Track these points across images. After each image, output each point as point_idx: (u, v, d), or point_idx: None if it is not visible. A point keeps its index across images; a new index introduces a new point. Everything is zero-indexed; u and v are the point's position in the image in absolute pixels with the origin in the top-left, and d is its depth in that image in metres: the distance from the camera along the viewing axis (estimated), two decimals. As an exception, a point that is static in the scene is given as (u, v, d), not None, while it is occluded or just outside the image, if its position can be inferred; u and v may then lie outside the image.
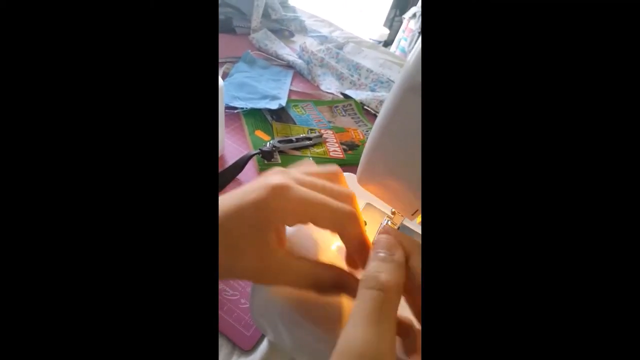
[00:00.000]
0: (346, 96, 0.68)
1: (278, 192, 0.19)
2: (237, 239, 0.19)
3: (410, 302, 0.21)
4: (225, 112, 0.50)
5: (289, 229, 0.24)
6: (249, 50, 0.71)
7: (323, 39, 0.92)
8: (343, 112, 0.64)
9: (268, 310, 0.27)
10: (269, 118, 0.55)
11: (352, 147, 0.55)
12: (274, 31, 0.84)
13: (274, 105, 0.55)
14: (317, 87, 0.70)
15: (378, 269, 0.18)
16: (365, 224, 0.31)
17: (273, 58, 0.75)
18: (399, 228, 0.30)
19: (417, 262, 0.19)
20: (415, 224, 0.32)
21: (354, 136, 0.57)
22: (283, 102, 0.57)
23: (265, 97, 0.58)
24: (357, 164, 0.24)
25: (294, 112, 0.59)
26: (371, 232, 0.31)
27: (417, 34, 1.85)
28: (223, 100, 0.42)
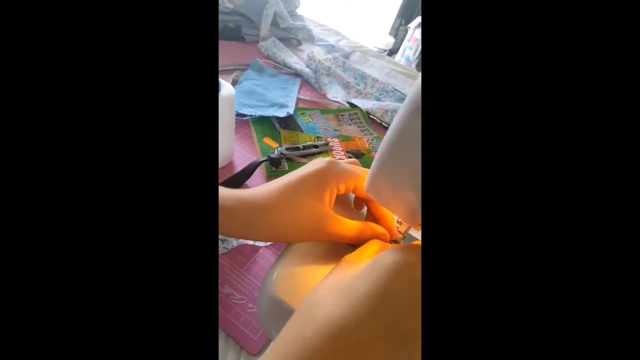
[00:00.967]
0: (352, 105, 0.69)
1: (332, 164, 0.26)
2: (300, 197, 0.25)
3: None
4: (235, 119, 0.51)
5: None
6: (258, 59, 0.73)
7: (330, 48, 0.94)
8: (349, 121, 0.65)
9: (275, 313, 0.27)
10: (277, 125, 0.57)
11: (358, 156, 0.56)
12: (282, 40, 0.86)
13: (282, 113, 0.56)
14: (324, 96, 0.72)
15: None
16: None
17: (281, 66, 0.76)
18: (404, 237, 0.30)
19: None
20: (420, 234, 0.33)
21: (360, 145, 0.58)
22: (291, 110, 0.58)
23: (273, 105, 0.59)
24: (364, 173, 0.26)
25: (301, 120, 0.60)
26: (377, 241, 0.31)
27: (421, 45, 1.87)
28: (234, 107, 0.43)
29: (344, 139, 0.58)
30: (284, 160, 0.50)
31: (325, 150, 0.54)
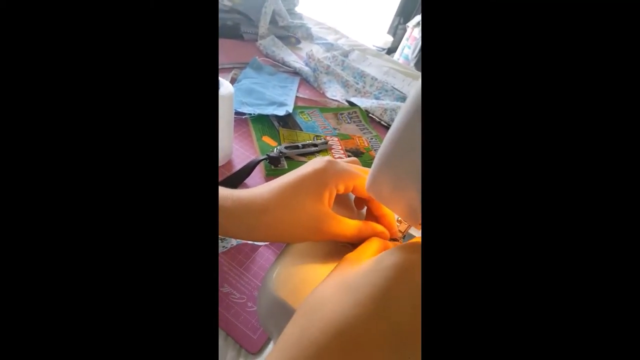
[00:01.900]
0: (351, 104, 0.69)
1: (331, 164, 0.26)
2: (300, 198, 0.25)
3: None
4: (234, 117, 0.51)
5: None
6: (257, 57, 0.72)
7: (329, 47, 0.94)
8: (348, 120, 0.65)
9: (275, 312, 0.27)
10: (276, 124, 0.56)
11: (357, 154, 0.56)
12: (281, 38, 0.86)
13: (281, 112, 0.56)
14: (323, 94, 0.71)
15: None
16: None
17: (280, 65, 0.76)
18: (404, 236, 0.30)
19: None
20: (420, 233, 0.33)
21: (359, 143, 0.58)
22: (290, 109, 0.58)
23: (272, 103, 0.59)
24: (364, 172, 0.26)
25: (300, 119, 0.60)
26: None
27: (420, 42, 1.87)
28: (233, 106, 0.43)
29: (343, 137, 0.58)
30: (283, 158, 0.49)
31: (324, 149, 0.54)
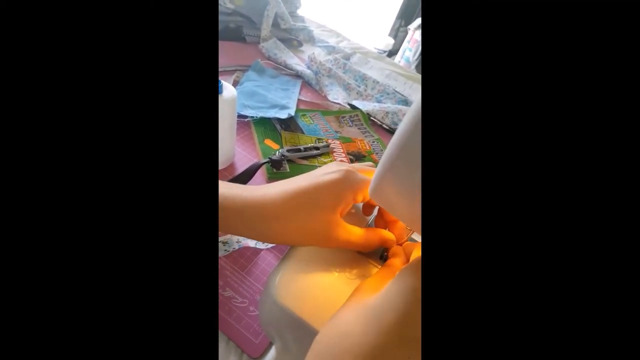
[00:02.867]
0: (353, 107, 0.69)
1: (350, 176, 0.25)
2: (313, 208, 0.25)
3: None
4: (237, 120, 0.51)
5: None
6: (259, 59, 0.73)
7: (330, 49, 0.94)
8: (350, 123, 0.65)
9: (276, 318, 0.27)
10: (278, 127, 0.56)
11: (359, 158, 0.56)
12: (283, 40, 0.86)
13: (283, 115, 0.56)
14: (325, 97, 0.71)
15: None
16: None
17: (282, 67, 0.76)
18: (406, 240, 0.30)
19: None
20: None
21: (361, 147, 0.58)
22: (292, 112, 0.58)
23: (274, 106, 0.59)
24: (367, 177, 0.26)
25: (302, 122, 0.60)
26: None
27: (421, 45, 1.88)
28: (235, 109, 0.43)
29: (345, 140, 0.58)
30: (285, 162, 0.49)
31: (326, 152, 0.54)
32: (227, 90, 0.40)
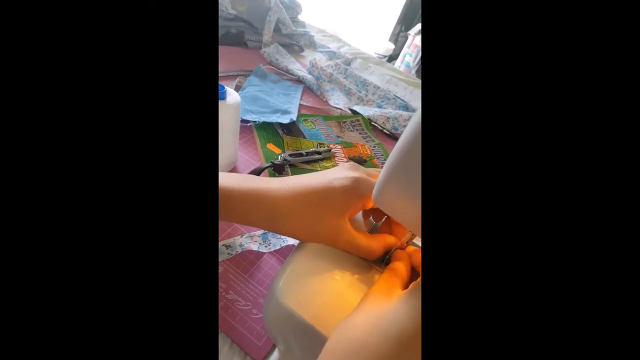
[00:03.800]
0: (354, 112, 0.70)
1: (362, 183, 0.26)
2: (323, 210, 0.26)
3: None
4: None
5: None
6: (261, 65, 0.73)
7: (332, 55, 0.95)
8: (351, 128, 0.66)
9: (280, 320, 0.27)
10: (280, 132, 0.57)
11: (360, 162, 0.56)
12: (285, 45, 0.87)
13: (285, 120, 0.57)
14: (326, 102, 0.72)
15: None
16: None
17: (283, 72, 0.77)
18: (407, 244, 0.31)
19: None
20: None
21: (362, 151, 0.59)
22: (294, 117, 0.59)
23: (276, 111, 0.59)
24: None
25: (303, 127, 0.61)
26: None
27: (421, 50, 1.89)
28: (239, 114, 0.44)
29: (346, 145, 0.59)
30: (287, 166, 0.50)
31: (328, 156, 0.54)
32: (231, 95, 0.41)
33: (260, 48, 0.83)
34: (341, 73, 0.82)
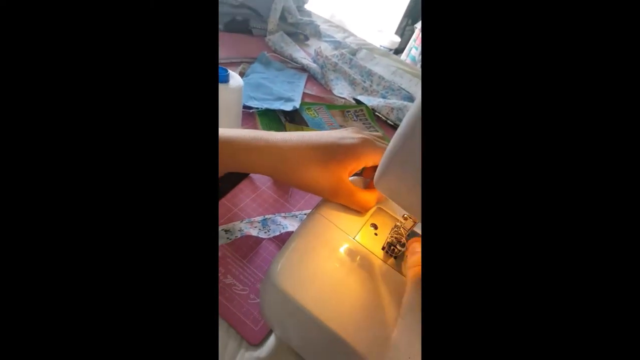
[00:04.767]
0: (358, 102, 0.69)
1: (365, 143, 0.30)
2: (331, 162, 0.29)
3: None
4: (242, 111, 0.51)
5: None
6: (265, 52, 0.73)
7: (337, 44, 0.94)
8: (355, 117, 0.65)
9: (277, 304, 0.27)
10: (283, 119, 0.56)
11: (363, 152, 0.56)
12: (290, 34, 0.86)
13: (288, 107, 0.56)
14: (330, 92, 0.71)
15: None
16: (377, 227, 0.32)
17: (288, 60, 0.76)
18: (409, 233, 0.30)
19: None
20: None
21: (365, 141, 0.58)
22: (297, 105, 0.58)
23: (279, 98, 0.59)
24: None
25: (306, 115, 0.60)
26: (381, 236, 0.32)
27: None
28: (242, 99, 0.43)
29: (349, 135, 0.58)
30: (289, 153, 0.49)
31: (330, 145, 0.54)
32: (234, 79, 0.40)
33: (265, 36, 0.82)
34: (346, 63, 0.81)
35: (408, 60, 1.98)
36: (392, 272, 0.29)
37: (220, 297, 0.32)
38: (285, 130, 0.54)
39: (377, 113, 0.67)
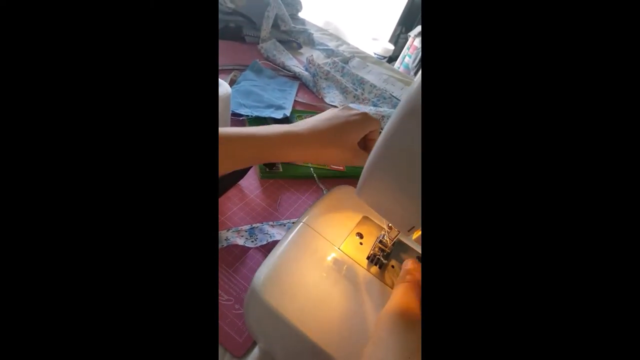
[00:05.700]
0: (349, 110, 0.69)
1: (366, 116, 0.38)
2: (345, 141, 0.36)
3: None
4: (231, 118, 0.51)
5: None
6: (257, 60, 0.73)
7: (329, 53, 0.94)
8: (345, 125, 0.65)
9: (262, 317, 0.27)
10: (273, 127, 0.56)
11: (353, 160, 0.56)
12: (283, 42, 0.86)
13: (278, 115, 0.56)
14: (322, 100, 0.72)
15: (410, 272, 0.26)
16: (362, 237, 0.32)
17: (280, 68, 0.76)
18: (394, 243, 0.30)
19: None
20: (410, 240, 0.33)
21: (355, 149, 0.58)
22: (288, 112, 0.58)
23: (270, 106, 0.59)
24: (356, 177, 0.26)
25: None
26: (367, 245, 0.31)
27: (421, 52, 1.88)
28: (229, 106, 0.43)
29: (340, 143, 0.58)
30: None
31: (320, 153, 0.54)
32: (222, 87, 0.40)
33: (258, 43, 0.82)
34: (338, 71, 0.82)
35: (401, 69, 2.00)
36: (376, 281, 0.29)
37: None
38: (275, 138, 0.54)
39: (368, 121, 0.67)
